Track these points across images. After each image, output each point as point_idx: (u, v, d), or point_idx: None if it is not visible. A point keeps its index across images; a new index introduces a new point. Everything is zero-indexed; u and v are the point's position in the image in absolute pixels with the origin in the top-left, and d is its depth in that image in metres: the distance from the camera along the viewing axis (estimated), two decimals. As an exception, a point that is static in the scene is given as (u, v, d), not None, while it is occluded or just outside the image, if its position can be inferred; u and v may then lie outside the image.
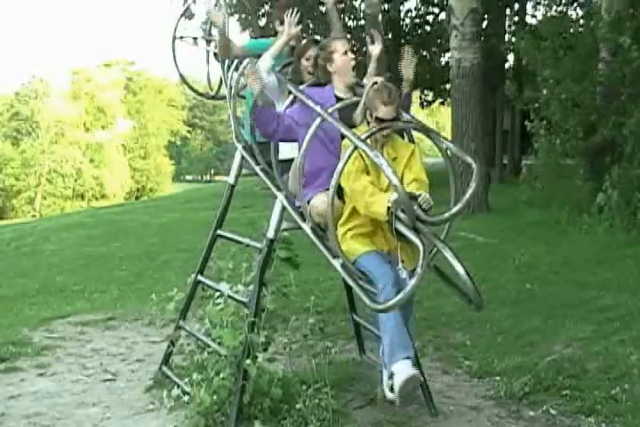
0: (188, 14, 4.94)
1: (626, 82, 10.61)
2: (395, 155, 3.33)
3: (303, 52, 3.94)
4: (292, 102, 3.72)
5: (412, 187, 3.22)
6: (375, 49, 3.90)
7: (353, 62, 3.64)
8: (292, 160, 3.74)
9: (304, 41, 4.13)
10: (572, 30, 12.81)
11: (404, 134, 3.71)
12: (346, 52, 3.60)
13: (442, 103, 24.17)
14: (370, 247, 3.28)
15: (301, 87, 3.74)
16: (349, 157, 3.04)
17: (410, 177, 3.28)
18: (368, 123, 3.36)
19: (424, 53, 22.06)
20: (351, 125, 3.35)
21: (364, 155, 3.18)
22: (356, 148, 3.02)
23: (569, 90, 11.04)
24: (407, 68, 3.49)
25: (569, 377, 4.34)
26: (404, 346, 3.25)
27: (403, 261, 3.21)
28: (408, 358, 3.24)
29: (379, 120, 3.26)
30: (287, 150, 3.88)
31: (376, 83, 3.38)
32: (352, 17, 21.43)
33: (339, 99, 3.60)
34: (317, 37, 4.41)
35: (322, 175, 3.47)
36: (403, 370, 3.18)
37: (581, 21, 14.46)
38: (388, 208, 3.00)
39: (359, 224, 3.33)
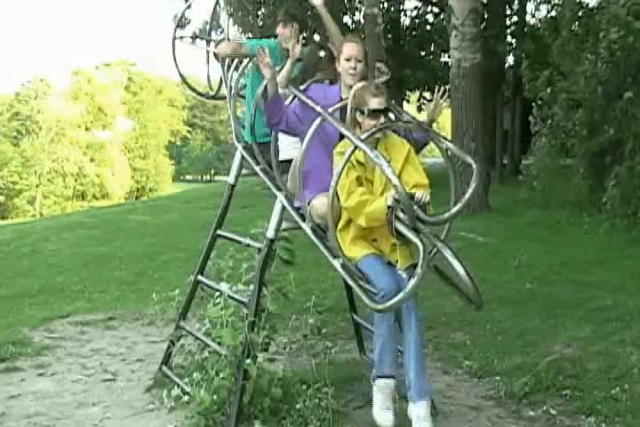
0: (183, 23, 4.93)
1: (627, 82, 10.60)
2: (389, 157, 3.23)
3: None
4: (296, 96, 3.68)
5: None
6: (381, 79, 3.99)
7: (353, 70, 3.53)
8: (291, 160, 3.73)
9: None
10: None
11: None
12: (349, 59, 3.52)
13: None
14: (369, 250, 3.27)
15: (309, 82, 3.73)
16: (348, 158, 3.03)
17: (410, 182, 3.22)
18: (359, 126, 3.33)
19: (423, 54, 22.08)
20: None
21: (356, 163, 3.19)
22: (356, 148, 3.02)
23: (572, 90, 11.03)
24: (434, 109, 3.50)
25: (569, 377, 4.34)
26: (389, 361, 3.29)
27: (396, 261, 3.21)
28: (392, 377, 3.29)
29: (372, 112, 3.26)
30: (287, 151, 3.87)
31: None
32: (351, 16, 21.44)
33: (342, 100, 3.56)
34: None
35: (318, 174, 3.45)
36: (379, 408, 3.26)
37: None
38: (389, 207, 2.99)
39: (358, 227, 3.31)
